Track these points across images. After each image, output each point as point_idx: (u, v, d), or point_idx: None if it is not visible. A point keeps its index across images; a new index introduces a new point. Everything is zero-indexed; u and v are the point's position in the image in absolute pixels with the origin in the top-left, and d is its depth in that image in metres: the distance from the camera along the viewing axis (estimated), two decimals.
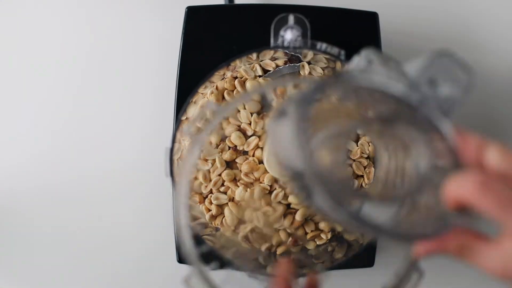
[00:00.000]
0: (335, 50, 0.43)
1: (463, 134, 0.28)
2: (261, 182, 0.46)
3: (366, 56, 0.30)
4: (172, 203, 0.50)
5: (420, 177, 0.31)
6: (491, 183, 0.25)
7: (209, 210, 0.46)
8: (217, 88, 0.48)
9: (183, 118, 0.45)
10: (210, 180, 0.46)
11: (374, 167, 0.47)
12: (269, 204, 0.45)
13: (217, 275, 0.39)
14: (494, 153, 0.27)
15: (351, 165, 0.47)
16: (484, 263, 0.26)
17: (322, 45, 0.44)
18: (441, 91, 0.28)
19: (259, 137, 0.46)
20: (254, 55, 0.47)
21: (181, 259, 0.50)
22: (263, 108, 0.48)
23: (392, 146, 0.34)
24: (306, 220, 0.46)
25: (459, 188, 0.26)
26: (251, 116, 0.47)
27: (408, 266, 0.32)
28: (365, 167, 0.47)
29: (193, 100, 0.46)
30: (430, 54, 0.29)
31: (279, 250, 0.45)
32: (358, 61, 0.31)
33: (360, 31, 0.50)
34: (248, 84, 0.47)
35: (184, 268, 0.53)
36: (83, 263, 0.57)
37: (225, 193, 0.46)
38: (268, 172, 0.45)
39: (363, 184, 0.47)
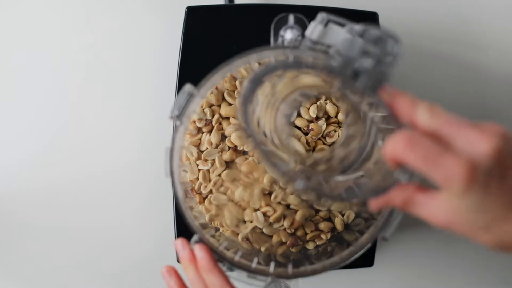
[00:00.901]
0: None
1: (395, 96, 0.29)
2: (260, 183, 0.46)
3: (322, 20, 0.32)
4: (172, 202, 0.50)
5: (372, 140, 0.36)
6: (417, 138, 0.27)
7: (209, 211, 0.46)
8: (217, 88, 0.48)
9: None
10: (210, 180, 0.46)
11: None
12: (268, 204, 0.45)
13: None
14: (423, 112, 0.28)
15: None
16: (427, 215, 0.28)
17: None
18: (371, 61, 0.30)
19: None
20: (254, 55, 0.47)
21: None
22: None
23: (351, 114, 0.37)
24: (306, 221, 0.46)
25: (392, 146, 0.28)
26: None
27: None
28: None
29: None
30: (360, 26, 0.31)
31: (279, 251, 0.45)
32: (314, 26, 0.32)
33: None
34: None
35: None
36: (83, 264, 0.57)
37: (224, 193, 0.46)
38: (267, 173, 0.45)
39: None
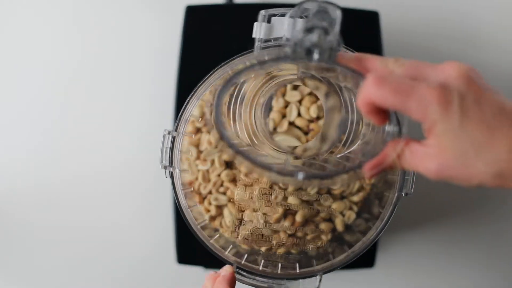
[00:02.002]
0: None
1: (364, 61, 0.30)
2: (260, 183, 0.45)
3: (263, 17, 0.33)
4: (172, 202, 0.50)
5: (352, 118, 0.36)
6: (387, 76, 0.27)
7: (208, 211, 0.46)
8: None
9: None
10: (209, 181, 0.46)
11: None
12: (269, 205, 0.45)
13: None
14: (391, 63, 0.29)
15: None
16: (419, 163, 0.28)
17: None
18: (317, 34, 0.30)
19: None
20: (254, 55, 0.47)
21: (180, 260, 0.50)
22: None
23: (329, 95, 0.38)
24: (306, 221, 0.46)
25: (364, 91, 0.28)
26: None
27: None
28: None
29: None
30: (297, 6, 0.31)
31: (279, 251, 0.45)
32: (259, 26, 0.33)
33: (361, 30, 0.50)
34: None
35: (184, 269, 0.53)
36: (83, 264, 0.57)
37: (224, 193, 0.46)
38: None
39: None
